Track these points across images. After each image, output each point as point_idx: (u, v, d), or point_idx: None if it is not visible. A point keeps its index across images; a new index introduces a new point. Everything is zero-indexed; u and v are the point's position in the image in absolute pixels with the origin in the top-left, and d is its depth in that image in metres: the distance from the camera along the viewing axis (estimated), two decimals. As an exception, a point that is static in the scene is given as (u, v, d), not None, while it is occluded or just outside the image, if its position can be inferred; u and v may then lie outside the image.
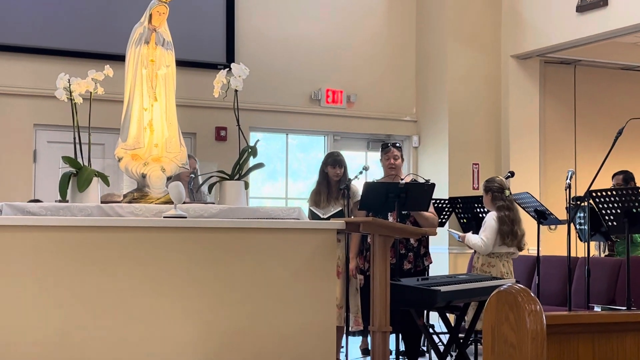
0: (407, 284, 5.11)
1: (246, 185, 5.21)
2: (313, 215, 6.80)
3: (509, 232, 6.68)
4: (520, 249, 6.82)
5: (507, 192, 6.87)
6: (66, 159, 4.72)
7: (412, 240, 6.80)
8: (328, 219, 6.56)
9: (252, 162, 5.39)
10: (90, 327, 3.90)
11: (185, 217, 4.32)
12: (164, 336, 4.03)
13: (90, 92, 4.82)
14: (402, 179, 6.89)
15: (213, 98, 5.30)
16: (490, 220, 6.72)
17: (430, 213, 6.95)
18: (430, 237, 7.86)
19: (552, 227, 7.67)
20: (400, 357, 6.84)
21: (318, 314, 4.35)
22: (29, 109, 8.44)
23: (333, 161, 7.07)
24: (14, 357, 3.74)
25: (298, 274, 4.33)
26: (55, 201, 4.94)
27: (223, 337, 4.14)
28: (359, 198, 6.77)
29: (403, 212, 6.56)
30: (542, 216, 7.27)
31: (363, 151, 10.51)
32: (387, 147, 7.10)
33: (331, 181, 6.96)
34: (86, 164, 4.79)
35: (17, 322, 3.77)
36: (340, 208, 6.74)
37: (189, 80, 8.40)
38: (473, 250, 6.99)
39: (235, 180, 5.12)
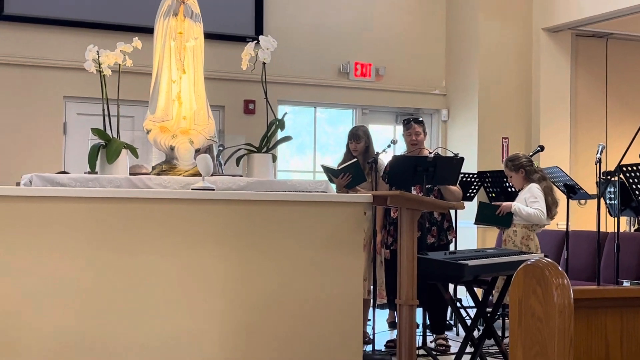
0: (434, 257, 5.09)
1: (274, 158, 5.22)
2: (327, 170, 6.77)
3: (552, 203, 6.66)
4: (552, 218, 6.79)
5: (535, 164, 6.85)
6: (95, 131, 4.75)
7: (435, 214, 6.78)
8: (342, 170, 6.56)
9: (279, 135, 5.39)
10: (117, 298, 3.93)
11: (213, 190, 4.33)
12: (192, 309, 4.06)
13: (119, 65, 4.83)
14: (430, 152, 6.87)
15: (242, 71, 5.30)
16: (537, 191, 6.65)
17: (456, 187, 6.92)
18: (459, 212, 7.84)
19: (582, 201, 7.62)
20: (427, 330, 6.85)
21: (345, 286, 4.36)
22: (59, 81, 8.49)
23: (351, 135, 7.12)
24: (41, 325, 3.79)
25: (325, 246, 4.33)
26: (84, 173, 4.98)
27: (251, 310, 4.16)
28: (386, 171, 6.76)
29: (427, 186, 6.53)
30: (572, 191, 7.22)
31: (391, 125, 10.47)
32: (409, 123, 7.06)
33: (357, 156, 6.97)
34: (115, 136, 4.82)
35: (45, 292, 3.81)
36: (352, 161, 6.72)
37: (218, 52, 8.41)
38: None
39: (263, 153, 5.13)
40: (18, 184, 4.81)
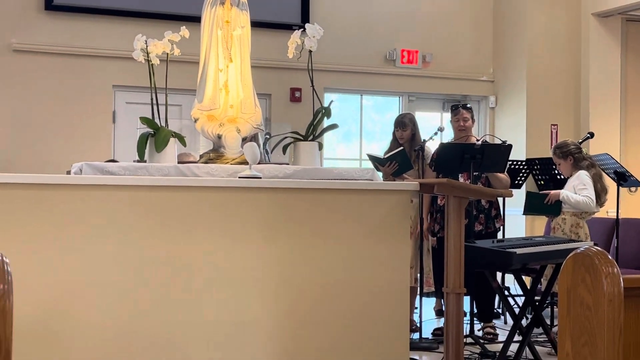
0: (482, 245, 5.07)
1: (320, 146, 5.22)
2: (373, 159, 6.76)
3: (602, 190, 6.58)
4: (601, 205, 6.70)
5: (584, 151, 6.76)
6: (144, 120, 4.79)
7: (483, 202, 6.73)
8: (388, 159, 6.55)
9: (326, 123, 5.39)
10: (166, 285, 3.98)
11: (260, 178, 4.36)
12: (239, 296, 4.09)
13: (167, 54, 4.87)
14: (477, 140, 6.82)
15: (288, 59, 5.31)
16: (586, 178, 6.57)
17: (504, 175, 6.86)
18: (507, 199, 7.78)
19: (632, 189, 7.50)
20: (475, 318, 6.82)
21: (392, 274, 4.36)
22: (108, 70, 8.60)
23: (397, 123, 7.12)
24: (91, 313, 3.85)
25: (372, 234, 4.33)
26: (133, 161, 5.03)
27: (297, 297, 4.18)
28: (432, 159, 6.74)
29: (474, 173, 6.49)
30: (622, 178, 7.11)
31: (438, 112, 10.41)
32: (457, 109, 7.01)
33: (403, 144, 6.96)
34: (163, 124, 4.86)
35: (95, 278, 3.86)
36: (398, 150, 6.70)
37: (264, 41, 8.43)
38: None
39: (309, 141, 5.13)
40: (68, 173, 4.88)
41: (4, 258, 2.09)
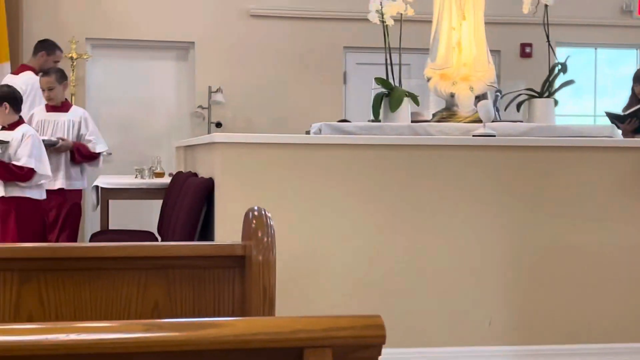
0: None
1: (555, 103, 5.12)
2: (611, 117, 6.49)
3: None
4: None
5: None
6: (378, 80, 4.91)
7: None
8: (629, 116, 6.26)
9: (560, 79, 5.27)
10: (400, 241, 4.08)
11: (494, 136, 4.35)
12: (473, 256, 4.12)
13: (401, 14, 4.94)
14: None
15: (518, 14, 5.22)
16: None
17: None
18: None
19: None
20: None
21: (635, 235, 4.22)
22: (340, 32, 8.80)
23: (636, 77, 6.75)
24: (336, 263, 4.03)
25: (610, 193, 4.21)
26: (368, 121, 5.17)
27: (532, 254, 4.16)
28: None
29: None
30: None
31: (679, 65, 9.80)
32: None
33: (641, 99, 6.62)
34: (397, 84, 4.95)
35: (332, 235, 4.04)
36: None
37: (493, -4, 8.29)
38: None
39: (545, 97, 5.04)
40: (307, 132, 5.09)
41: (266, 212, 2.25)
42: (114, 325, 1.28)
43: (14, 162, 5.34)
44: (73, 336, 1.25)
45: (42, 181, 5.49)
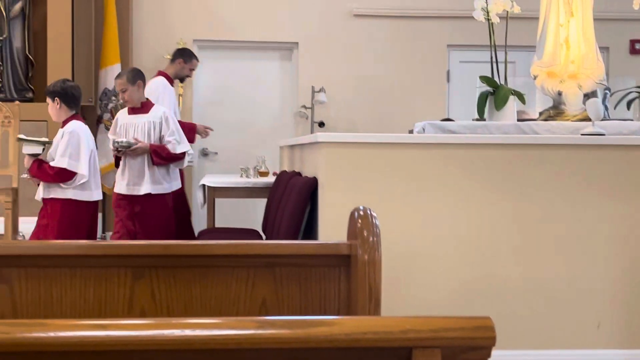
0: None
1: (670, 101, 4.96)
2: None
3: None
4: None
5: None
6: (483, 79, 4.85)
7: None
8: None
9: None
10: (505, 242, 4.03)
11: (604, 135, 4.24)
12: (578, 254, 4.04)
13: (507, 11, 4.87)
14: None
15: (627, 10, 5.08)
16: None
17: None
18: None
19: None
20: None
21: None
22: (443, 30, 8.74)
23: None
24: (439, 262, 4.01)
25: None
26: (472, 119, 5.12)
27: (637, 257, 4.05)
28: None
29: None
30: None
31: None
32: None
33: None
34: (502, 82, 4.88)
35: (435, 235, 4.02)
36: None
37: (602, -8, 8.08)
38: None
39: (658, 95, 4.89)
40: (410, 132, 5.08)
41: (372, 212, 2.26)
42: (227, 322, 1.32)
43: (49, 162, 5.30)
44: (188, 332, 1.29)
45: (82, 181, 5.31)
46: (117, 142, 5.50)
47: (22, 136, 5.53)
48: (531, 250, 4.02)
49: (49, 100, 5.41)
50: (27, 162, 5.35)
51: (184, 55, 6.86)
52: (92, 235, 5.48)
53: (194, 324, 1.31)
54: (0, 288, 2.27)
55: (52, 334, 1.30)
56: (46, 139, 5.46)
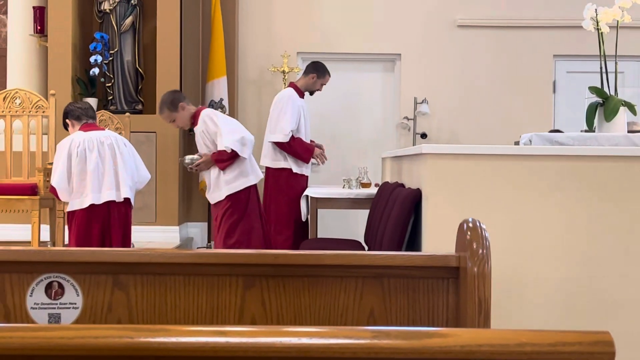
0: None
1: None
2: None
3: None
4: None
5: None
6: (593, 89, 4.75)
7: None
8: None
9: None
10: (616, 256, 3.93)
11: None
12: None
13: (617, 20, 4.76)
14: None
15: None
16: None
17: None
18: None
19: None
20: None
21: None
22: (549, 40, 8.60)
23: None
24: (546, 274, 3.94)
25: None
26: (581, 131, 5.02)
27: None
28: None
29: None
30: None
31: None
32: None
33: None
34: (612, 93, 4.77)
35: (542, 248, 3.95)
36: None
37: None
38: None
39: None
40: (517, 143, 5.01)
41: (481, 224, 2.25)
42: (343, 331, 1.33)
43: None
44: (305, 340, 1.31)
45: (63, 193, 5.53)
46: (182, 162, 5.91)
47: None
48: (633, 263, 3.92)
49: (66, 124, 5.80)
50: None
51: (318, 70, 6.92)
52: (105, 242, 5.64)
53: (311, 332, 1.33)
54: (118, 295, 2.35)
55: (174, 340, 1.34)
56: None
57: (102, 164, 5.57)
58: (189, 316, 2.33)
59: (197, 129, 5.99)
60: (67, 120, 5.77)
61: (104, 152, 5.60)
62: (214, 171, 5.93)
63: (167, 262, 2.34)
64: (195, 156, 5.95)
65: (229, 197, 5.94)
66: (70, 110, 5.77)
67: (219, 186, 5.95)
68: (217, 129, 5.87)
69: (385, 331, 1.34)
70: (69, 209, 5.60)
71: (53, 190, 5.57)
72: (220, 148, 5.86)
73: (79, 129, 5.67)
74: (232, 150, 5.83)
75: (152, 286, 2.35)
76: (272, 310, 2.32)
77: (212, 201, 6.03)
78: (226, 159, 5.87)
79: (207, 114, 5.97)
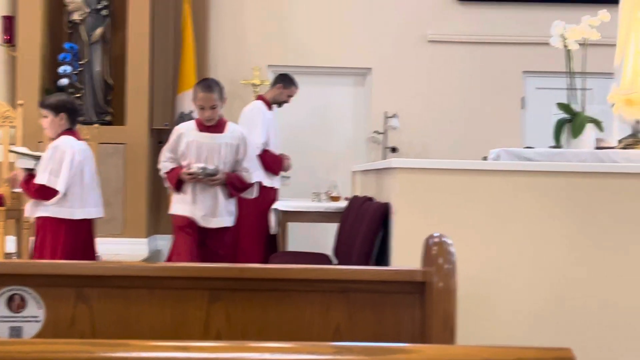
0: None
1: None
2: None
3: None
4: None
5: None
6: (560, 106, 4.79)
7: None
8: None
9: None
10: (582, 272, 3.96)
11: (686, 164, 4.14)
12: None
13: (585, 38, 4.81)
14: None
15: None
16: None
17: None
18: None
19: None
20: None
21: None
22: (519, 56, 8.66)
23: None
24: (517, 288, 3.95)
25: None
26: (549, 147, 5.05)
27: None
28: None
29: None
30: None
31: None
32: None
33: None
34: (580, 110, 4.82)
35: (509, 263, 3.97)
36: None
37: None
38: None
39: None
40: (485, 158, 5.04)
41: (447, 239, 2.25)
42: (305, 347, 1.32)
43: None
44: (267, 355, 1.30)
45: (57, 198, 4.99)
46: (203, 169, 5.02)
47: (15, 149, 5.37)
48: (609, 280, 3.94)
49: (47, 112, 5.12)
50: (21, 176, 5.15)
51: (285, 81, 6.92)
52: (86, 257, 5.15)
53: (273, 348, 1.32)
54: (81, 308, 2.32)
55: (134, 355, 1.33)
56: (40, 154, 5.17)
57: (92, 178, 5.25)
58: (153, 330, 2.30)
59: (225, 138, 5.22)
60: (61, 113, 5.10)
61: (93, 166, 5.30)
62: (223, 194, 5.23)
63: (131, 275, 2.31)
64: (211, 167, 5.10)
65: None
66: (74, 108, 5.23)
67: (230, 211, 5.34)
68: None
69: (348, 347, 1.33)
70: (48, 214, 5.05)
71: (42, 190, 5.01)
72: (245, 174, 5.26)
73: (70, 135, 5.15)
74: (253, 185, 5.36)
75: (117, 299, 2.32)
76: (237, 324, 2.31)
77: (218, 225, 5.26)
78: (242, 190, 5.32)
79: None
